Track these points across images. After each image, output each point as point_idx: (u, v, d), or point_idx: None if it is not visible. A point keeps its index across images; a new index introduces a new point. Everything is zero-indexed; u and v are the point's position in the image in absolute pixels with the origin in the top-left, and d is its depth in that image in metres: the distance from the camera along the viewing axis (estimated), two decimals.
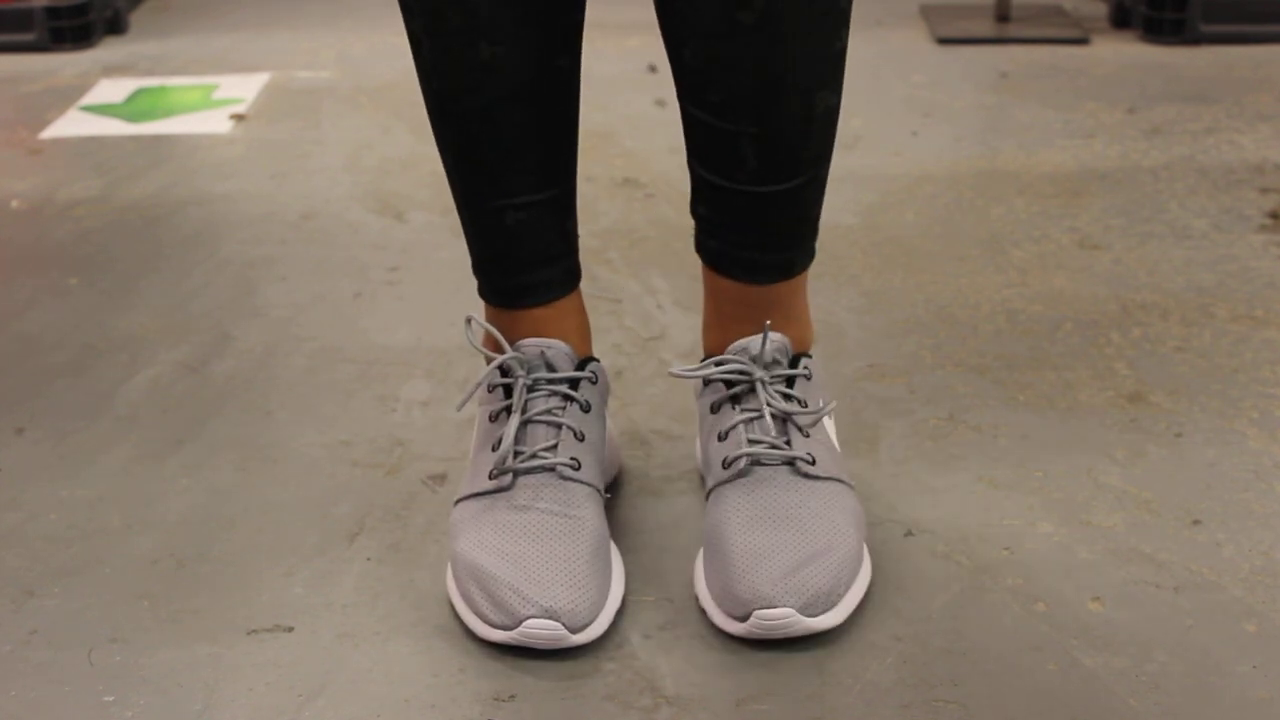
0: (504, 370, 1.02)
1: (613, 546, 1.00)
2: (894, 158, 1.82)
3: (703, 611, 0.95)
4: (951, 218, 1.63)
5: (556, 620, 0.90)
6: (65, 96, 2.18)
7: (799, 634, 0.91)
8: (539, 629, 0.90)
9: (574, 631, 0.91)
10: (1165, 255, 1.50)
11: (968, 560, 1.01)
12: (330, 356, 1.34)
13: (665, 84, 0.99)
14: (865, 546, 0.98)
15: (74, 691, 0.90)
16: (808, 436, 1.00)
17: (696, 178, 1.00)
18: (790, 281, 1.04)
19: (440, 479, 1.13)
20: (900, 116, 1.99)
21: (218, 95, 2.16)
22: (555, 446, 0.99)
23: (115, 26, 2.52)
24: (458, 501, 1.01)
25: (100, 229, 1.67)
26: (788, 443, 0.99)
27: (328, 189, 1.77)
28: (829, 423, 1.06)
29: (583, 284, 1.09)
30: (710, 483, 1.00)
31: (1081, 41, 2.31)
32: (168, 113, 2.09)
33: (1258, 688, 0.88)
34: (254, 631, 0.96)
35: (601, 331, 1.34)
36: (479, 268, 1.06)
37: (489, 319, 1.06)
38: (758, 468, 0.98)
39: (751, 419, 1.00)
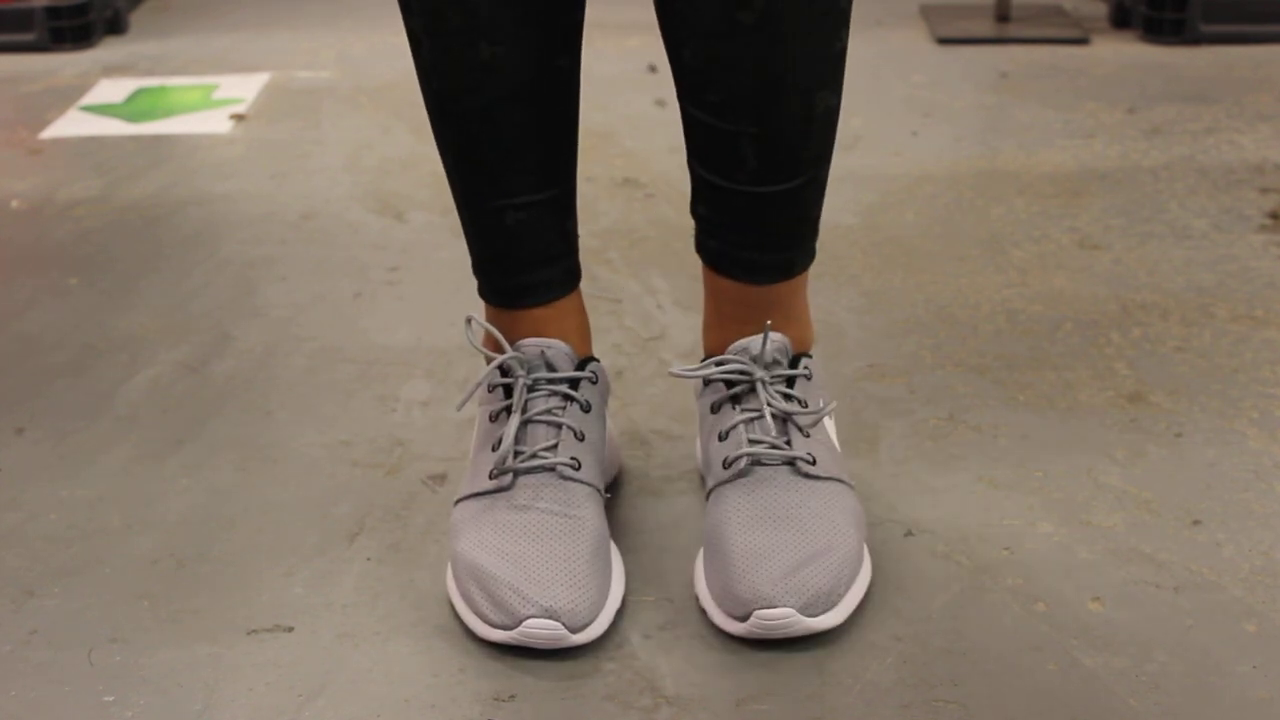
0: (504, 370, 1.02)
1: (613, 546, 1.00)
2: (894, 158, 1.82)
3: (703, 611, 0.95)
4: (951, 218, 1.63)
5: (556, 620, 0.90)
6: (65, 96, 2.18)
7: (799, 634, 0.91)
8: (539, 629, 0.90)
9: (574, 631, 0.91)
10: (1165, 255, 1.50)
11: (968, 560, 1.01)
12: (330, 356, 1.34)
13: (665, 84, 0.99)
14: (865, 546, 0.98)
15: (74, 691, 0.90)
16: (808, 436, 1.00)
17: (696, 178, 1.00)
18: (790, 282, 1.04)
19: (440, 479, 1.13)
20: (900, 116, 1.99)
21: (218, 95, 2.16)
22: (555, 446, 0.99)
23: (115, 26, 2.52)
24: (458, 501, 1.01)
25: (100, 229, 1.67)
26: (788, 443, 0.99)
27: (328, 189, 1.77)
28: (829, 423, 1.06)
29: (583, 284, 1.09)
30: (710, 483, 1.00)
31: (1081, 41, 2.31)
32: (168, 113, 2.09)
33: (1258, 688, 0.88)
34: (254, 631, 0.96)
35: (601, 331, 1.34)
36: (479, 268, 1.06)
37: (489, 319, 1.06)
38: (758, 468, 0.98)
39: (752, 419, 1.00)
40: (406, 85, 1.01)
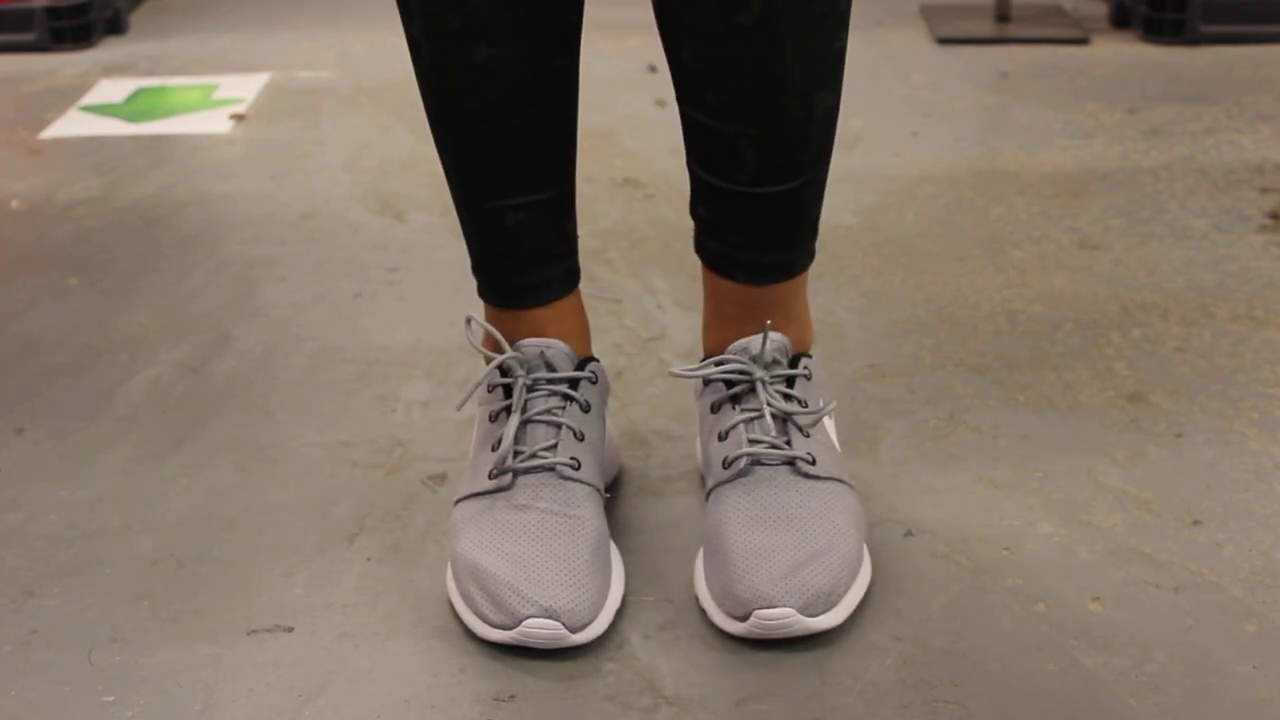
0: (504, 370, 1.02)
1: (613, 546, 1.00)
2: (894, 158, 1.82)
3: (703, 611, 0.95)
4: (951, 218, 1.63)
5: (556, 620, 0.90)
6: (65, 96, 2.18)
7: (799, 634, 0.91)
8: (539, 629, 0.90)
9: (574, 631, 0.91)
10: (1165, 255, 1.50)
11: (968, 560, 1.01)
12: (330, 356, 1.34)
13: (665, 84, 0.99)
14: (865, 546, 0.98)
15: (74, 691, 0.90)
16: (808, 436, 1.00)
17: (696, 179, 1.00)
18: (790, 282, 1.04)
19: (440, 479, 1.13)
20: (900, 116, 1.99)
21: (218, 95, 2.16)
22: (555, 446, 0.99)
23: (115, 26, 2.52)
24: (458, 501, 1.01)
25: (100, 229, 1.67)
26: (788, 442, 0.99)
27: (328, 189, 1.77)
28: (829, 422, 1.06)
29: (583, 284, 1.09)
30: (710, 482, 1.00)
31: (1081, 41, 2.31)
32: (168, 113, 2.09)
33: (1258, 688, 0.88)
34: (254, 631, 0.96)
35: (601, 331, 1.34)
36: (478, 268, 1.06)
37: (488, 319, 1.06)
38: (758, 467, 0.98)
39: (752, 419, 1.00)
40: (406, 85, 1.01)
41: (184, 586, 1.01)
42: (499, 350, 1.03)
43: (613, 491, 1.10)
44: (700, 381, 1.05)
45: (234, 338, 1.38)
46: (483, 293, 1.07)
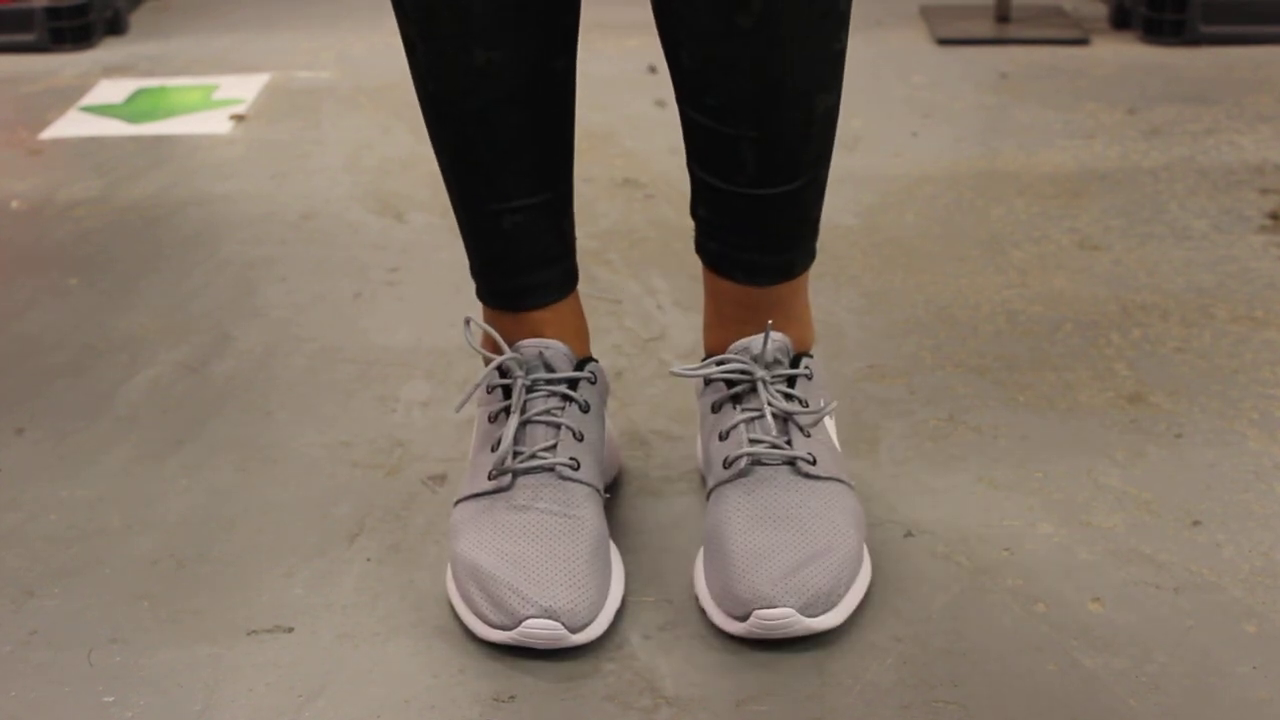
0: (503, 371, 1.02)
1: (612, 546, 1.00)
2: (894, 158, 1.82)
3: (703, 611, 0.95)
4: (951, 218, 1.63)
5: (556, 620, 0.90)
6: (65, 97, 2.18)
7: (799, 634, 0.91)
8: (539, 629, 0.90)
9: (574, 631, 0.91)
10: (1165, 256, 1.50)
11: (968, 561, 1.01)
12: (330, 357, 1.34)
13: (665, 84, 0.99)
14: (865, 547, 0.98)
15: (74, 691, 0.90)
16: (808, 436, 1.00)
17: (696, 180, 1.00)
18: (791, 282, 1.04)
19: (440, 479, 1.13)
20: (900, 117, 1.99)
21: (218, 95, 2.16)
22: (554, 446, 0.99)
23: (115, 27, 2.52)
24: (457, 502, 1.01)
25: (100, 229, 1.67)
26: (788, 442, 0.99)
27: (328, 189, 1.77)
28: (830, 422, 1.06)
29: (583, 285, 1.09)
30: (711, 482, 1.00)
31: (1081, 42, 2.31)
32: (168, 113, 2.09)
33: (1258, 688, 0.88)
34: (254, 632, 0.96)
35: (601, 332, 1.34)
36: (477, 271, 1.06)
37: (488, 321, 1.06)
38: (758, 467, 0.98)
39: (752, 418, 1.00)
40: (406, 85, 1.01)
41: (184, 586, 1.01)
42: (498, 351, 1.03)
43: (613, 491, 1.10)
44: (701, 381, 1.05)
45: (234, 338, 1.38)
46: (481, 294, 1.07)
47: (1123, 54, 2.25)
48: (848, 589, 0.93)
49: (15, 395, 1.29)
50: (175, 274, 1.54)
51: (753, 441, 0.99)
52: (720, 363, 1.01)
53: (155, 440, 1.20)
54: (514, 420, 0.99)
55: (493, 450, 1.00)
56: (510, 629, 0.91)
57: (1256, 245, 1.53)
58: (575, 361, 1.04)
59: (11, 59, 2.38)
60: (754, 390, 1.01)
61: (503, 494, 0.98)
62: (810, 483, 0.98)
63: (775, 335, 1.01)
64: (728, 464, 0.99)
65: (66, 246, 1.62)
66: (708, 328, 1.07)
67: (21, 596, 1.00)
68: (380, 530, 1.07)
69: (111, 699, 0.90)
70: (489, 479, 0.99)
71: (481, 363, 1.09)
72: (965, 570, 1.00)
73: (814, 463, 0.98)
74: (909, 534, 1.04)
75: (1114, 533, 1.04)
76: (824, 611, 0.91)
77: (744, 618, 0.91)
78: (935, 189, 1.71)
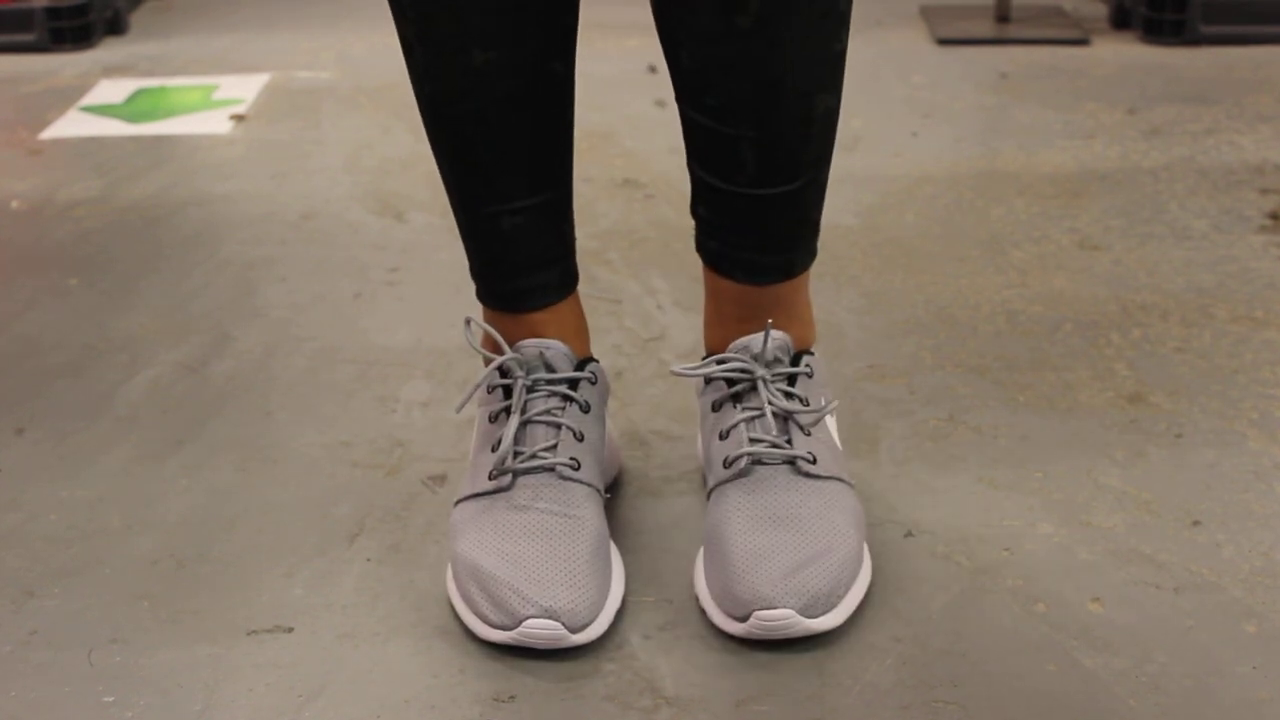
0: (503, 371, 1.02)
1: (612, 546, 1.00)
2: (894, 158, 1.82)
3: (702, 612, 0.95)
4: (951, 218, 1.63)
5: (556, 620, 0.90)
6: (65, 97, 2.18)
7: (799, 635, 0.91)
8: (539, 629, 0.90)
9: (574, 631, 0.91)
10: (1165, 256, 1.50)
11: (968, 561, 1.01)
12: (330, 357, 1.34)
13: (665, 84, 0.99)
14: (865, 546, 0.98)
15: (74, 691, 0.90)
16: (809, 435, 1.00)
17: (696, 179, 1.00)
18: (791, 281, 1.03)
19: (440, 479, 1.13)
20: (900, 117, 1.99)
21: (218, 95, 2.16)
22: (555, 446, 0.99)
23: (115, 27, 2.52)
24: (458, 502, 1.01)
25: (100, 229, 1.67)
26: (789, 441, 0.99)
27: (328, 189, 1.77)
28: (830, 420, 1.06)
29: (583, 285, 1.09)
30: (711, 481, 1.00)
31: (1081, 42, 2.31)
32: (168, 113, 2.09)
33: (1258, 688, 0.88)
34: (254, 632, 0.96)
35: (601, 332, 1.34)
36: (477, 272, 1.06)
37: (488, 321, 1.06)
38: (758, 467, 0.98)
39: (753, 417, 1.00)
40: (406, 85, 1.01)
41: (184, 586, 1.01)
42: (499, 351, 1.03)
43: (613, 492, 1.10)
44: (701, 380, 1.05)
45: (234, 338, 1.38)
46: (481, 295, 1.07)
47: (1123, 54, 2.25)
48: (848, 590, 0.93)
49: (15, 395, 1.29)
50: (175, 274, 1.54)
51: (753, 441, 0.99)
52: (721, 361, 1.01)
53: (155, 440, 1.20)
54: (514, 420, 0.99)
55: (493, 450, 1.00)
56: (510, 629, 0.91)
57: (1256, 245, 1.53)
58: (575, 361, 1.04)
59: (11, 59, 2.38)
60: (754, 389, 1.01)
61: (503, 494, 0.98)
62: (810, 482, 0.98)
63: (775, 333, 1.01)
64: (728, 463, 0.99)
65: (66, 246, 1.62)
66: (708, 326, 1.07)
67: (21, 596, 1.00)
68: (380, 530, 1.07)
69: (111, 699, 0.90)
70: (489, 479, 0.99)
71: (482, 363, 1.09)
72: (965, 570, 1.00)
73: (814, 462, 0.98)
74: (909, 534, 1.04)
75: (1114, 533, 1.04)
76: (824, 612, 0.91)
77: (744, 618, 0.91)
78: (935, 189, 1.71)
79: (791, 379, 1.02)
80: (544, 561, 0.92)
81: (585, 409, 1.02)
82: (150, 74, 2.29)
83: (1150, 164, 1.77)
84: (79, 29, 2.42)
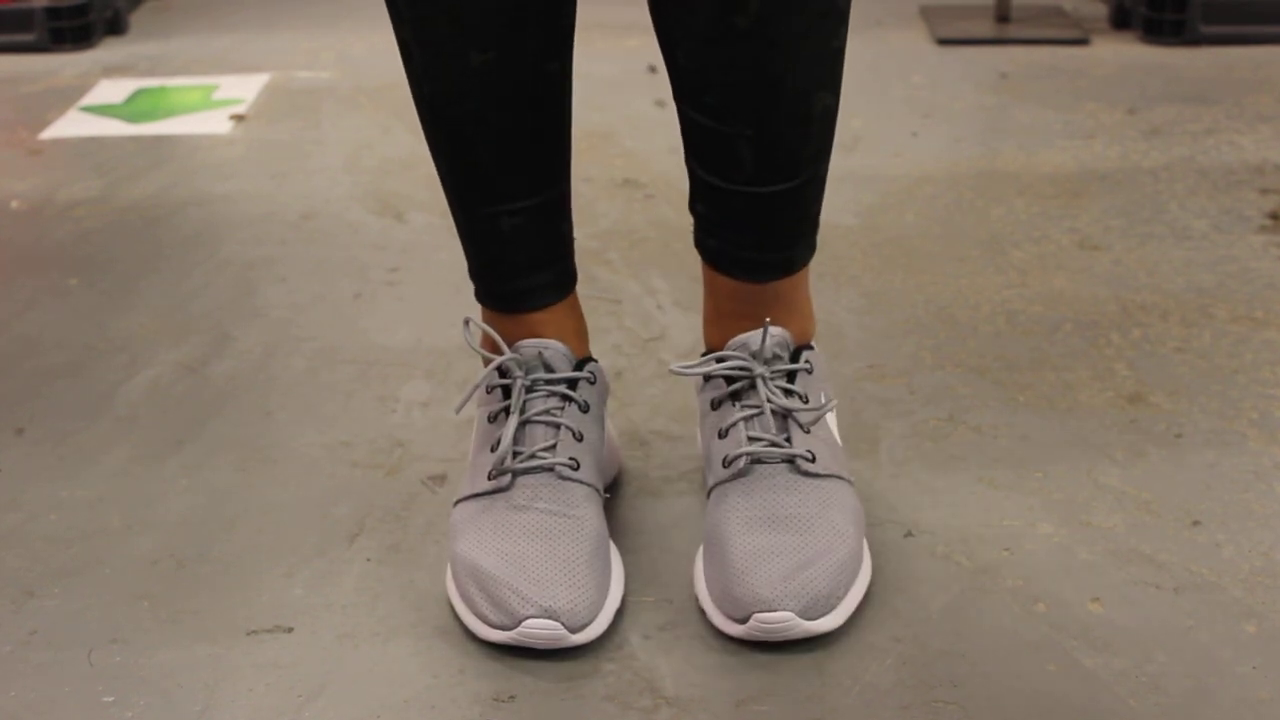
0: (502, 371, 1.02)
1: (612, 546, 1.00)
2: (894, 158, 1.82)
3: (702, 612, 0.95)
4: (951, 218, 1.63)
5: (556, 620, 0.90)
6: (65, 97, 2.18)
7: (798, 637, 0.91)
8: (538, 629, 0.90)
9: (573, 631, 0.91)
10: (1165, 256, 1.50)
11: (968, 561, 1.01)
12: (330, 357, 1.34)
13: (665, 84, 0.99)
14: (865, 544, 0.98)
15: (74, 692, 0.90)
16: (808, 433, 1.00)
17: (694, 177, 1.00)
18: (791, 277, 1.03)
19: (440, 480, 1.13)
20: (900, 117, 1.99)
21: (218, 96, 2.16)
22: (554, 446, 0.99)
23: (115, 27, 2.52)
24: (457, 503, 1.01)
25: (100, 229, 1.67)
26: (788, 439, 0.99)
27: (328, 189, 1.77)
28: (831, 416, 1.06)
29: (583, 285, 1.09)
30: (711, 481, 1.00)
31: (1081, 42, 2.31)
32: (168, 113, 2.09)
33: (1258, 688, 0.88)
34: (254, 632, 0.96)
35: (601, 332, 1.34)
36: (475, 272, 1.06)
37: (486, 321, 1.06)
38: (758, 466, 0.98)
39: (751, 416, 1.00)
40: (406, 85, 1.01)
41: (184, 586, 1.01)
42: (498, 351, 1.03)
43: (613, 492, 1.10)
44: (701, 377, 1.05)
45: (234, 338, 1.38)
46: (480, 296, 1.07)
47: (1123, 54, 2.25)
48: (847, 590, 0.93)
49: (15, 395, 1.29)
50: (175, 274, 1.54)
51: (751, 439, 0.99)
52: (719, 359, 1.01)
53: (155, 440, 1.20)
54: (513, 420, 0.99)
55: (492, 450, 1.00)
56: (510, 629, 0.91)
57: (1256, 245, 1.53)
58: (574, 361, 1.04)
59: (11, 59, 2.38)
60: (753, 387, 1.01)
61: (502, 494, 0.98)
62: (809, 481, 0.98)
63: (774, 330, 1.01)
64: (727, 463, 0.99)
65: (66, 246, 1.62)
66: (707, 323, 1.07)
67: (21, 596, 1.00)
68: (380, 530, 1.07)
69: (111, 699, 0.90)
70: (488, 479, 0.99)
71: (481, 363, 1.09)
72: (965, 570, 1.00)
73: (813, 460, 0.98)
74: (909, 534, 1.04)
75: (1114, 533, 1.04)
76: (823, 614, 0.91)
77: (743, 620, 0.91)
78: (935, 189, 1.71)
79: (791, 376, 1.02)
80: (543, 561, 0.92)
81: (584, 409, 1.02)
82: (150, 74, 2.29)
83: (1150, 164, 1.77)
84: (79, 29, 2.42)
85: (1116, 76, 2.14)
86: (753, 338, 1.01)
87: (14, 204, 1.76)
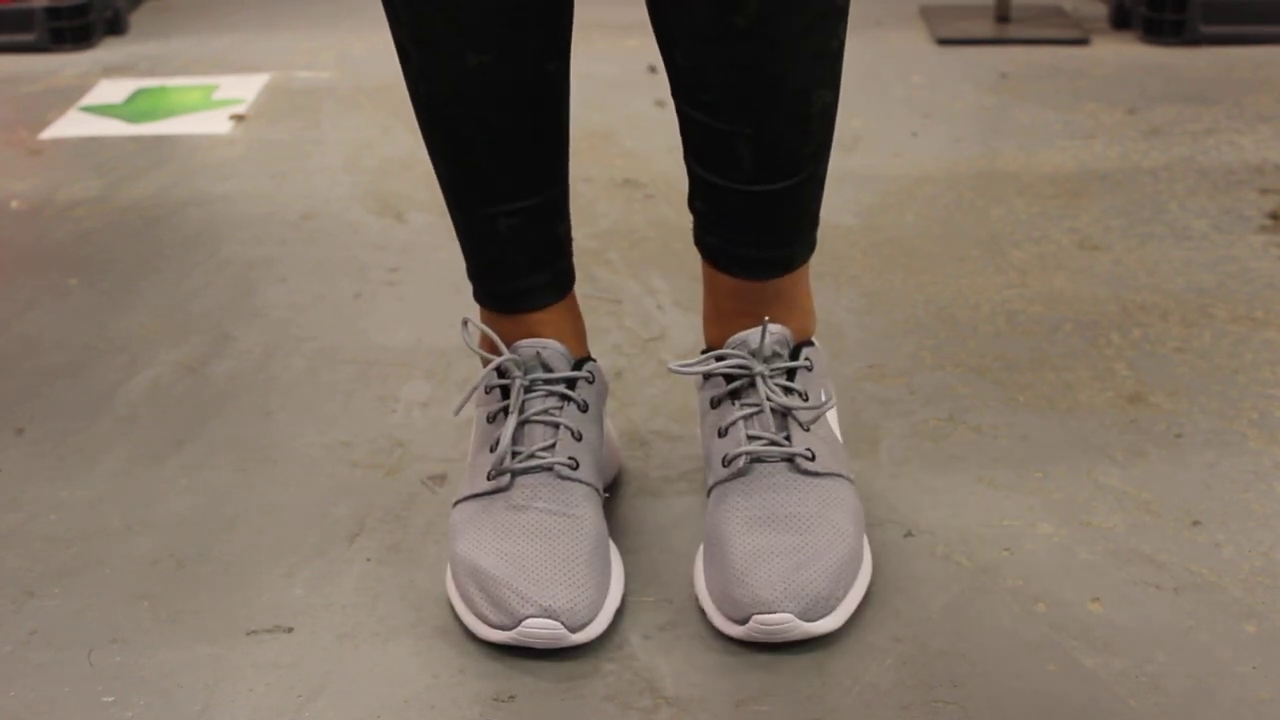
0: (501, 372, 1.02)
1: (612, 546, 1.00)
2: (894, 158, 1.82)
3: (702, 612, 0.95)
4: (951, 218, 1.63)
5: (555, 619, 0.90)
6: (65, 97, 2.18)
7: (798, 638, 0.91)
8: (538, 628, 0.90)
9: (573, 630, 0.91)
10: (1165, 256, 1.50)
11: (968, 561, 1.01)
12: (330, 357, 1.34)
13: (665, 84, 0.99)
14: (866, 542, 0.98)
15: (74, 692, 0.90)
16: (808, 431, 1.00)
17: (693, 175, 1.00)
18: (791, 274, 1.03)
19: (440, 480, 1.13)
20: (900, 117, 1.99)
21: (218, 95, 2.16)
22: (553, 446, 0.99)
23: (115, 27, 2.52)
24: (456, 503, 1.01)
25: (100, 229, 1.67)
26: (787, 438, 0.99)
27: (328, 189, 1.77)
28: (831, 413, 1.06)
29: (583, 285, 1.09)
30: (711, 480, 1.00)
31: (1081, 42, 2.31)
32: (168, 113, 2.09)
33: (1258, 688, 0.88)
34: (254, 632, 0.96)
35: (601, 332, 1.34)
36: (473, 273, 1.06)
37: (485, 322, 1.06)
38: (757, 465, 0.98)
39: (751, 414, 1.00)
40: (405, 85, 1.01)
41: (184, 586, 1.01)
42: (496, 352, 1.03)
43: (613, 491, 1.10)
44: (700, 376, 1.05)
45: (234, 338, 1.38)
46: (478, 296, 1.07)
47: (1123, 54, 2.25)
48: (847, 591, 0.93)
49: (15, 395, 1.29)
50: (175, 274, 1.54)
51: (751, 438, 0.99)
52: (719, 358, 1.01)
53: (155, 440, 1.20)
54: (512, 420, 0.99)
55: (491, 450, 1.00)
56: (510, 629, 0.91)
57: (1256, 245, 1.53)
58: (573, 361, 1.04)
59: (11, 59, 2.38)
60: (753, 385, 1.01)
61: (501, 494, 0.98)
62: (809, 480, 0.98)
63: (774, 328, 1.01)
64: (726, 462, 0.99)
65: (66, 246, 1.62)
66: (707, 321, 1.07)
67: (21, 596, 1.00)
68: (380, 530, 1.07)
69: (111, 699, 0.90)
70: (488, 479, 0.99)
71: (480, 363, 1.09)
72: (965, 570, 1.00)
73: (813, 458, 0.98)
74: (909, 534, 1.04)
75: (1114, 533, 1.04)
76: (823, 615, 0.91)
77: (743, 621, 0.91)
78: (935, 189, 1.71)
79: (790, 373, 1.02)
80: (543, 561, 0.92)
81: (583, 408, 1.02)
82: (150, 74, 2.29)
83: (1150, 164, 1.77)
84: (79, 29, 2.42)
85: (1116, 76, 2.14)
86: (752, 336, 1.01)
87: (14, 204, 1.76)
